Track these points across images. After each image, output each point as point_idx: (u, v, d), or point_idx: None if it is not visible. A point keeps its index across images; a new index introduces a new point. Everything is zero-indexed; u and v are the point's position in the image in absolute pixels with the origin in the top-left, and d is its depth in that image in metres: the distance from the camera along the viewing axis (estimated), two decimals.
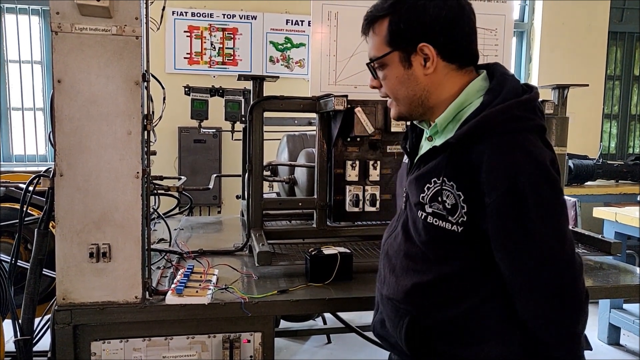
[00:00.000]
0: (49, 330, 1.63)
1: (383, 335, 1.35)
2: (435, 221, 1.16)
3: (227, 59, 5.07)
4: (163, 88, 1.96)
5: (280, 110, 2.10)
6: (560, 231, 1.10)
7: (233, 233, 2.68)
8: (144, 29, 1.53)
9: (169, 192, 2.28)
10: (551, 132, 2.23)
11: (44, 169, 1.76)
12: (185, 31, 4.98)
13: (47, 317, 1.83)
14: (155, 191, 2.26)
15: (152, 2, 1.67)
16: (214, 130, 4.35)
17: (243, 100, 2.33)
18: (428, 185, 1.17)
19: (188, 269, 1.78)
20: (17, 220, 1.91)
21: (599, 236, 2.16)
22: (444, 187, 1.13)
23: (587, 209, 4.20)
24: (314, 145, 2.23)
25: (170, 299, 1.58)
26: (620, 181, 5.04)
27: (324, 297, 1.68)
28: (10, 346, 1.97)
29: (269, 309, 1.63)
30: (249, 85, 2.10)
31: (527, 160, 1.07)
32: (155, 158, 1.93)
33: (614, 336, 3.85)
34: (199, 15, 4.98)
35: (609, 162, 5.10)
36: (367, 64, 1.27)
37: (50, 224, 1.74)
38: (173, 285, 1.64)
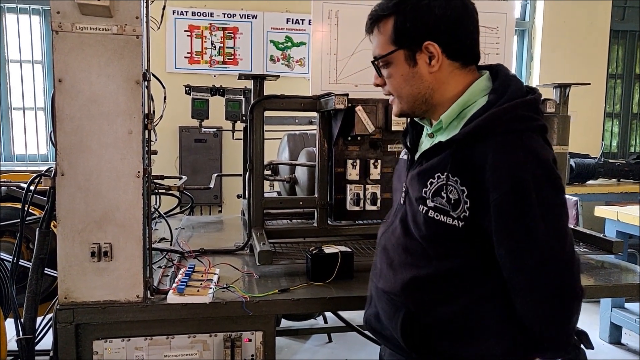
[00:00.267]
0: (51, 329, 1.63)
1: (377, 328, 1.36)
2: (437, 216, 1.17)
3: (228, 58, 5.07)
4: (164, 87, 1.96)
5: (281, 110, 2.10)
6: (562, 231, 1.12)
7: (234, 232, 2.68)
8: (145, 28, 1.53)
9: (170, 192, 2.28)
10: (553, 131, 2.23)
11: (45, 168, 1.76)
12: (185, 30, 4.98)
13: (49, 316, 1.84)
14: (157, 190, 2.26)
15: (153, 2, 1.67)
16: (215, 129, 4.37)
17: (244, 99, 2.33)
18: (431, 180, 1.18)
19: (189, 268, 1.78)
20: (19, 220, 1.91)
21: (601, 235, 2.17)
22: (448, 182, 1.14)
23: (588, 208, 4.19)
24: (314, 144, 2.23)
25: (172, 298, 1.58)
26: (621, 180, 5.03)
27: (325, 296, 1.68)
28: (12, 345, 1.98)
29: (270, 308, 1.64)
30: (249, 84, 2.10)
31: (532, 159, 1.09)
32: (156, 157, 1.94)
33: (615, 335, 3.85)
34: (199, 14, 4.98)
35: (610, 160, 5.09)
36: (372, 62, 1.29)
37: (52, 224, 1.75)
38: (174, 285, 1.64)
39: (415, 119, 1.35)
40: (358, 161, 2.10)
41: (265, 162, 2.17)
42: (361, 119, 1.99)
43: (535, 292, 1.13)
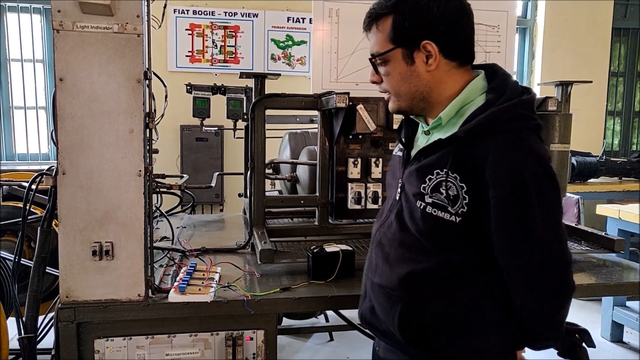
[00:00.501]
0: (52, 328, 1.63)
1: (373, 322, 1.37)
2: (434, 211, 1.19)
3: (229, 57, 5.07)
4: (165, 86, 1.96)
5: (282, 108, 2.10)
6: (560, 229, 1.16)
7: (235, 231, 2.68)
8: (146, 27, 1.53)
9: (172, 190, 2.28)
10: (554, 129, 2.22)
11: (46, 167, 1.77)
12: (186, 29, 4.98)
13: (50, 315, 1.84)
14: (158, 189, 2.26)
15: (154, 0, 1.67)
16: (216, 128, 4.37)
17: (245, 98, 2.33)
18: (430, 176, 1.20)
19: (191, 266, 1.78)
20: (21, 219, 1.91)
21: (602, 233, 2.16)
22: (448, 179, 1.16)
23: (590, 206, 4.19)
24: (315, 142, 2.23)
25: (173, 296, 1.59)
26: (623, 178, 5.02)
27: (326, 295, 1.68)
28: (14, 344, 1.98)
29: (272, 307, 1.64)
30: (250, 83, 2.10)
31: (531, 158, 1.12)
32: (158, 156, 1.93)
33: (617, 333, 3.84)
34: (200, 13, 4.98)
35: (612, 159, 5.08)
36: (370, 60, 1.30)
37: (53, 222, 1.75)
38: (176, 283, 1.64)
39: (411, 116, 1.37)
40: (359, 160, 2.10)
41: (267, 161, 2.16)
42: (362, 118, 1.98)
43: (534, 289, 1.17)
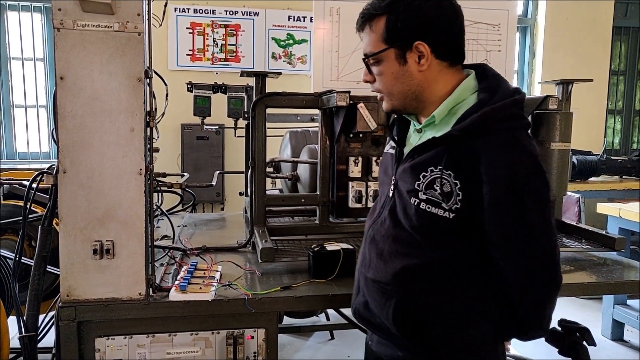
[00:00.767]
0: (53, 327, 1.63)
1: (366, 317, 1.40)
2: (428, 208, 1.22)
3: (230, 56, 5.07)
4: (166, 85, 1.96)
5: (283, 107, 2.09)
6: (550, 223, 1.21)
7: (236, 230, 2.68)
8: (146, 25, 1.53)
9: (172, 189, 2.28)
10: (555, 128, 2.22)
11: (47, 166, 1.77)
12: (187, 28, 4.98)
13: (51, 313, 1.84)
14: (159, 188, 2.26)
15: None
16: (217, 127, 4.37)
17: (246, 96, 2.33)
18: (424, 173, 1.22)
19: (191, 265, 1.78)
20: (21, 218, 1.91)
21: (603, 232, 2.16)
22: (442, 176, 1.19)
23: (590, 205, 4.19)
24: (316, 141, 2.23)
25: (174, 295, 1.59)
26: (624, 177, 5.02)
27: (327, 293, 1.68)
28: (15, 343, 1.98)
29: (273, 305, 1.64)
30: (251, 81, 2.10)
31: (525, 156, 1.16)
32: (158, 155, 1.93)
33: (617, 332, 3.84)
34: (201, 11, 4.98)
35: (612, 157, 5.09)
36: (363, 59, 1.33)
37: (54, 221, 1.75)
38: (176, 282, 1.64)
39: (403, 115, 1.39)
40: (360, 158, 2.10)
41: (267, 160, 2.16)
42: (363, 116, 1.98)
43: (526, 281, 1.21)
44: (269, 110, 2.07)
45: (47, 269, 1.80)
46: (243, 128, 2.50)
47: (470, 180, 1.16)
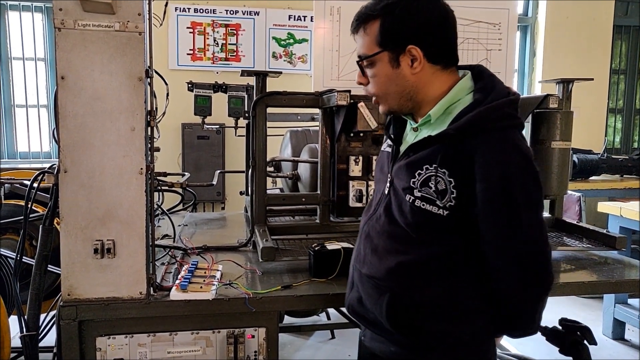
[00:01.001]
0: (54, 326, 1.64)
1: (360, 312, 1.41)
2: (423, 205, 1.24)
3: (230, 55, 5.07)
4: (166, 84, 1.96)
5: (283, 106, 2.10)
6: (541, 221, 1.23)
7: (237, 229, 2.68)
8: (147, 25, 1.53)
9: (173, 189, 2.28)
10: (556, 127, 2.22)
11: (48, 165, 1.77)
12: (188, 27, 4.98)
13: (52, 313, 1.84)
14: (159, 187, 2.26)
15: None
16: (217, 126, 4.35)
17: (246, 96, 2.33)
18: (419, 171, 1.24)
19: (192, 264, 1.79)
20: (22, 217, 1.92)
21: (604, 231, 2.16)
22: (437, 174, 1.21)
23: (591, 204, 4.19)
24: (317, 140, 2.23)
25: (175, 294, 1.59)
26: (624, 176, 5.02)
27: (328, 293, 1.69)
28: (16, 342, 1.99)
29: (273, 305, 1.64)
30: (252, 81, 2.10)
31: (517, 154, 1.19)
32: (159, 154, 1.93)
33: (618, 331, 3.84)
34: (201, 11, 4.98)
35: (613, 156, 5.08)
36: (357, 62, 1.35)
37: (55, 221, 1.75)
38: (177, 281, 1.64)
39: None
40: (360, 157, 2.10)
41: (268, 159, 2.17)
42: (364, 115, 1.98)
43: (517, 278, 1.23)
44: (269, 110, 2.07)
45: (48, 269, 1.80)
46: (244, 127, 2.50)
47: (465, 179, 1.19)
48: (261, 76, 2.05)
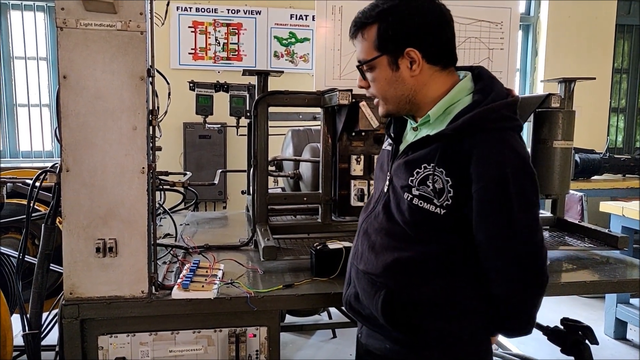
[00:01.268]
0: (56, 325, 1.64)
1: (357, 308, 1.43)
2: (421, 203, 1.25)
3: (232, 54, 5.07)
4: (168, 83, 1.96)
5: (285, 105, 2.10)
6: (535, 222, 1.24)
7: (238, 228, 2.68)
8: (149, 24, 1.53)
9: (175, 188, 2.28)
10: (557, 126, 2.22)
11: (50, 164, 1.77)
12: (189, 27, 4.98)
13: (54, 311, 1.85)
14: (161, 186, 2.26)
15: None
16: (219, 125, 4.36)
17: (248, 95, 2.33)
18: (418, 170, 1.26)
19: (194, 263, 1.79)
20: (25, 216, 1.92)
21: (606, 230, 2.16)
22: (435, 173, 1.23)
23: (593, 204, 4.18)
24: (318, 140, 2.23)
25: (177, 293, 1.59)
26: (627, 175, 5.01)
27: (329, 292, 1.69)
28: (18, 340, 1.99)
29: (275, 304, 1.64)
30: (253, 80, 2.10)
31: (513, 155, 1.20)
32: (161, 154, 1.94)
33: (620, 331, 3.83)
34: (203, 10, 4.98)
35: (615, 156, 5.07)
36: (357, 67, 1.37)
37: (57, 220, 1.75)
38: (179, 280, 1.65)
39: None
40: (362, 157, 2.10)
41: (270, 158, 2.16)
42: (365, 115, 1.98)
43: (511, 278, 1.24)
44: (271, 109, 2.07)
45: (51, 267, 1.80)
46: (245, 127, 2.50)
47: (462, 178, 1.20)
48: (263, 75, 2.05)
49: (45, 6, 4.88)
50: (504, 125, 1.22)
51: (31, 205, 1.87)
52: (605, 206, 3.76)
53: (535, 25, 5.72)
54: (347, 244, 1.83)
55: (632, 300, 3.80)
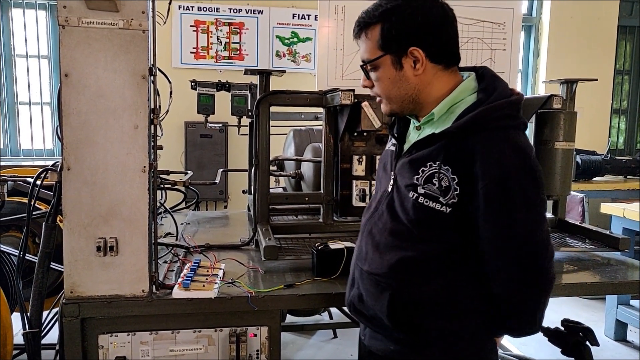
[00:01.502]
0: (57, 323, 1.64)
1: (360, 310, 1.42)
2: (426, 202, 1.25)
3: (234, 54, 5.07)
4: (170, 82, 1.96)
5: (287, 105, 2.09)
6: (540, 220, 1.23)
7: (239, 227, 2.68)
8: (151, 23, 1.53)
9: (176, 187, 2.28)
10: (559, 127, 2.22)
11: (51, 163, 1.77)
12: (191, 26, 4.98)
13: (55, 310, 1.85)
14: (162, 185, 2.26)
15: None
16: (221, 124, 4.35)
17: (249, 94, 2.33)
18: (423, 168, 1.26)
19: (195, 263, 1.79)
20: (25, 214, 1.92)
21: (607, 232, 2.16)
22: (440, 171, 1.23)
23: (594, 205, 4.18)
24: (320, 139, 2.22)
25: (177, 292, 1.59)
26: (628, 177, 5.01)
27: (330, 292, 1.68)
28: (19, 339, 1.99)
29: (276, 303, 1.64)
30: (255, 79, 2.09)
31: (517, 153, 1.20)
32: (162, 153, 1.94)
33: (620, 332, 3.83)
34: (205, 9, 4.98)
35: (617, 157, 5.07)
36: (361, 66, 1.38)
37: (58, 218, 1.75)
38: (180, 279, 1.65)
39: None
40: (364, 157, 2.10)
41: (271, 158, 2.16)
42: (367, 115, 1.98)
43: (514, 278, 1.23)
44: (272, 109, 2.07)
45: (51, 266, 1.80)
46: (247, 126, 2.50)
47: (467, 176, 1.20)
48: (265, 75, 2.04)
49: (47, 4, 4.88)
50: (506, 124, 1.22)
51: (32, 203, 1.87)
52: (607, 207, 3.75)
53: (538, 26, 5.72)
54: (348, 244, 1.83)
55: (632, 302, 3.80)
